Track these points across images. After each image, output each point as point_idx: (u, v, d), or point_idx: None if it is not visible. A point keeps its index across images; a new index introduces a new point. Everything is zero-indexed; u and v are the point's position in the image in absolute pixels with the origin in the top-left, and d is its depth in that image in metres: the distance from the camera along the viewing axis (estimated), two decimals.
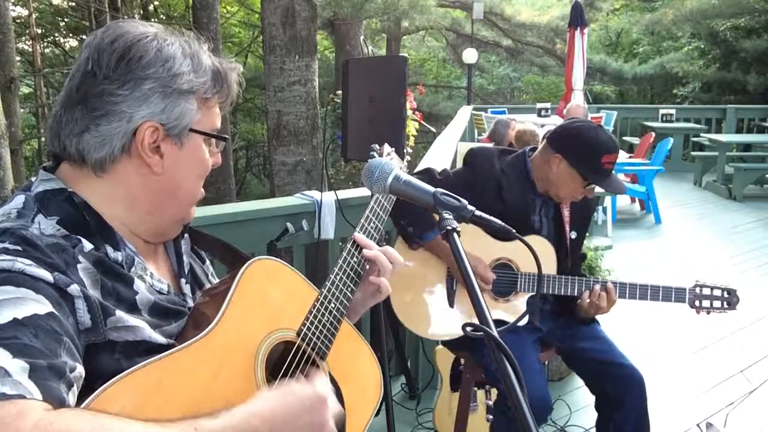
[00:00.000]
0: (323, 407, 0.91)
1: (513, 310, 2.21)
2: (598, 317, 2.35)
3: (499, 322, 2.11)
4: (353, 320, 1.25)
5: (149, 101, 0.94)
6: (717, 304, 2.14)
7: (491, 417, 2.32)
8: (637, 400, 2.16)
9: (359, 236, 1.21)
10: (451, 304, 2.24)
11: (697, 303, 2.14)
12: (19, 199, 0.93)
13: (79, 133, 0.94)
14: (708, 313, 2.14)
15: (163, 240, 1.08)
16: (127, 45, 0.94)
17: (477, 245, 2.16)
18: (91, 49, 0.94)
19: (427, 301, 2.25)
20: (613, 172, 2.21)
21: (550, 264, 2.21)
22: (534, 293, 2.22)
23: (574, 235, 2.31)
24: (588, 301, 2.15)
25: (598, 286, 2.16)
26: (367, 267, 1.22)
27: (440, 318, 2.25)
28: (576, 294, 2.18)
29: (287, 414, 0.87)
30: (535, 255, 1.05)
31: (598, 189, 2.25)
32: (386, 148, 1.43)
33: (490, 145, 5.20)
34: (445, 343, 2.41)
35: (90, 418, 0.73)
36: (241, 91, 1.08)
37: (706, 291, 2.14)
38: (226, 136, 1.08)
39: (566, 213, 2.30)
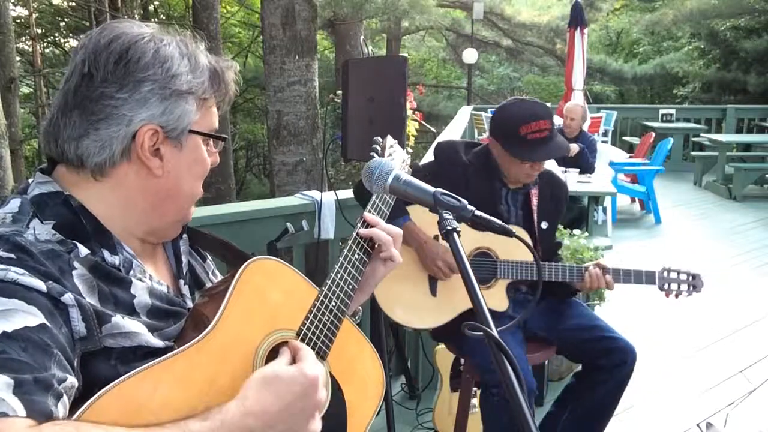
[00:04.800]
0: (314, 389, 0.90)
1: (493, 297, 2.23)
2: (598, 311, 2.37)
3: None
4: (364, 299, 1.25)
5: (148, 103, 0.93)
6: (684, 287, 2.27)
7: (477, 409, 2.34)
8: (627, 370, 2.22)
9: (368, 215, 1.21)
10: (434, 293, 2.25)
11: (666, 286, 2.26)
12: (14, 203, 0.91)
13: (77, 138, 0.92)
14: (676, 296, 2.26)
15: (163, 240, 1.07)
16: (124, 46, 0.92)
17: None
18: (87, 51, 0.93)
19: (411, 293, 2.26)
20: (554, 138, 2.19)
21: (525, 252, 2.22)
22: (513, 280, 2.25)
23: (545, 225, 2.33)
24: (588, 285, 2.21)
25: (596, 270, 2.20)
26: (369, 261, 1.20)
27: (426, 308, 2.25)
28: (567, 280, 2.23)
29: (281, 405, 0.85)
30: (533, 252, 1.06)
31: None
32: (389, 140, 1.40)
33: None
34: (433, 334, 2.41)
35: (72, 431, 0.73)
36: (239, 89, 1.07)
37: (673, 275, 2.27)
38: (225, 136, 1.06)
39: (535, 202, 2.32)
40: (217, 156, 1.06)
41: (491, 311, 2.28)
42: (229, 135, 10.09)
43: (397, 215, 2.18)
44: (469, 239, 2.19)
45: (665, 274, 2.26)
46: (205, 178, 1.06)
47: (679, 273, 2.27)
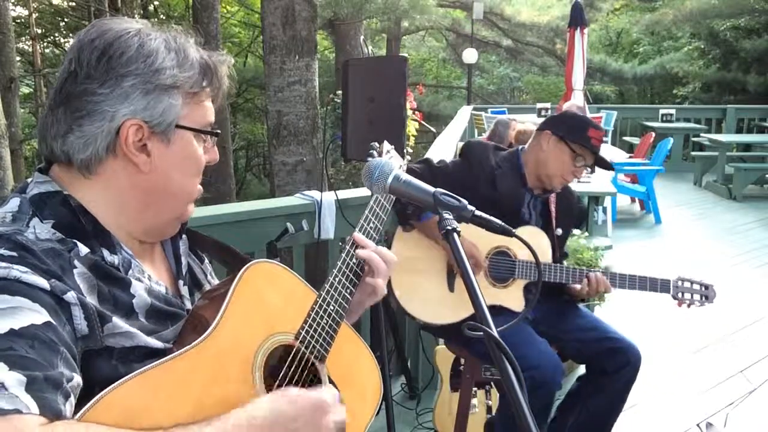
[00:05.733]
0: (321, 412, 0.90)
1: (510, 296, 2.25)
2: (598, 311, 2.39)
3: (496, 308, 2.17)
4: (351, 321, 1.24)
5: (130, 98, 0.92)
6: (697, 297, 2.29)
7: (490, 416, 2.33)
8: (632, 371, 2.23)
9: (358, 236, 1.19)
10: (451, 289, 2.26)
11: (679, 295, 2.28)
12: (14, 202, 0.91)
13: (63, 135, 0.92)
14: (688, 306, 2.29)
15: (161, 239, 1.06)
16: (107, 42, 0.92)
17: (477, 231, 2.18)
18: (74, 48, 0.93)
19: (429, 287, 2.26)
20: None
21: (545, 253, 2.29)
22: (530, 281, 2.27)
23: (559, 231, 2.40)
24: (587, 290, 2.25)
25: (597, 275, 2.26)
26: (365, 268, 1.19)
27: (442, 303, 2.26)
28: (571, 282, 2.27)
29: (284, 418, 0.86)
30: (532, 250, 1.06)
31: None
32: (386, 145, 1.41)
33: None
34: (438, 332, 2.40)
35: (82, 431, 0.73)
36: (234, 84, 1.05)
37: (687, 285, 2.29)
38: (217, 131, 1.03)
39: (553, 210, 2.39)
40: (215, 153, 1.04)
41: (508, 310, 2.32)
42: (229, 135, 10.09)
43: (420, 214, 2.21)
44: (488, 238, 2.20)
45: (680, 283, 2.28)
46: (205, 178, 1.05)
47: (692, 283, 2.29)
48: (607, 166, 2.30)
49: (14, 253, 0.81)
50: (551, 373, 2.05)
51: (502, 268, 2.26)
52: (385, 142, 1.42)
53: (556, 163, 2.27)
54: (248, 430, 0.82)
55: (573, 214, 2.52)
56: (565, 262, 2.54)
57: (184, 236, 1.13)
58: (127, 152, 0.93)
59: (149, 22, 0.99)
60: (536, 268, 2.24)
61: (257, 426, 0.83)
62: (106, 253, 0.93)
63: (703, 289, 2.29)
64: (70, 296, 0.82)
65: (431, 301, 2.26)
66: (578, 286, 2.25)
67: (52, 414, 0.72)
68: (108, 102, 0.91)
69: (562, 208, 2.42)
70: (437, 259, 2.26)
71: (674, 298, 2.27)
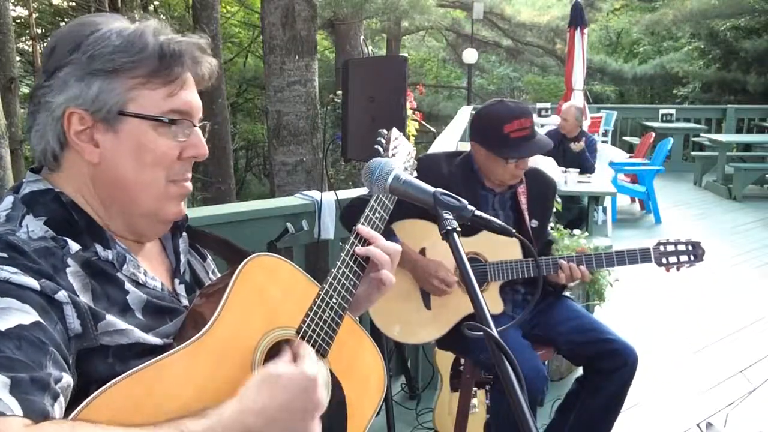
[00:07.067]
0: (314, 387, 0.90)
1: (488, 300, 2.21)
2: (598, 312, 2.36)
3: None
4: (357, 314, 1.23)
5: (67, 87, 0.91)
6: (684, 258, 2.17)
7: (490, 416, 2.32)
8: (629, 372, 2.19)
9: (363, 228, 1.16)
10: (428, 306, 2.24)
11: (663, 260, 2.17)
12: (7, 201, 0.92)
13: (28, 132, 0.95)
14: (678, 269, 2.17)
15: (146, 239, 1.03)
16: (58, 37, 0.94)
17: (439, 246, 2.15)
18: None
19: (405, 309, 2.24)
20: (536, 135, 2.20)
21: (515, 251, 2.23)
22: (504, 281, 2.24)
23: (535, 223, 2.32)
24: (564, 277, 2.18)
25: (569, 263, 2.19)
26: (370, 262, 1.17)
27: (422, 323, 2.24)
28: (546, 273, 2.21)
29: (280, 403, 0.85)
30: (533, 252, 1.06)
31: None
32: (394, 132, 1.36)
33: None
34: (438, 344, 2.40)
35: (68, 430, 0.73)
36: (216, 66, 1.01)
37: (670, 248, 2.17)
38: (164, 119, 0.94)
39: (524, 201, 2.31)
40: (202, 147, 0.99)
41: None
42: (229, 135, 10.08)
43: (388, 236, 2.16)
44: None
45: (661, 248, 2.17)
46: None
47: (676, 244, 2.17)
48: (539, 150, 2.17)
49: (4, 254, 0.81)
50: (533, 381, 2.03)
51: (475, 275, 2.23)
52: (393, 129, 1.37)
53: (495, 169, 2.22)
54: (246, 423, 0.82)
55: (548, 199, 2.42)
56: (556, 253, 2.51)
57: (184, 234, 1.13)
58: (71, 142, 0.93)
59: (129, 15, 0.98)
60: (507, 266, 2.20)
61: (255, 416, 0.83)
62: (99, 248, 0.93)
63: (690, 248, 2.17)
64: (62, 295, 0.82)
65: (410, 323, 2.24)
66: (560, 275, 2.20)
67: (38, 415, 0.72)
68: (51, 93, 0.92)
69: (534, 196, 2.33)
70: (408, 283, 2.23)
71: (659, 265, 2.16)
